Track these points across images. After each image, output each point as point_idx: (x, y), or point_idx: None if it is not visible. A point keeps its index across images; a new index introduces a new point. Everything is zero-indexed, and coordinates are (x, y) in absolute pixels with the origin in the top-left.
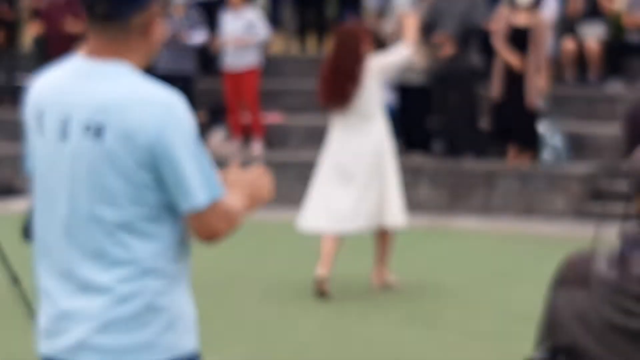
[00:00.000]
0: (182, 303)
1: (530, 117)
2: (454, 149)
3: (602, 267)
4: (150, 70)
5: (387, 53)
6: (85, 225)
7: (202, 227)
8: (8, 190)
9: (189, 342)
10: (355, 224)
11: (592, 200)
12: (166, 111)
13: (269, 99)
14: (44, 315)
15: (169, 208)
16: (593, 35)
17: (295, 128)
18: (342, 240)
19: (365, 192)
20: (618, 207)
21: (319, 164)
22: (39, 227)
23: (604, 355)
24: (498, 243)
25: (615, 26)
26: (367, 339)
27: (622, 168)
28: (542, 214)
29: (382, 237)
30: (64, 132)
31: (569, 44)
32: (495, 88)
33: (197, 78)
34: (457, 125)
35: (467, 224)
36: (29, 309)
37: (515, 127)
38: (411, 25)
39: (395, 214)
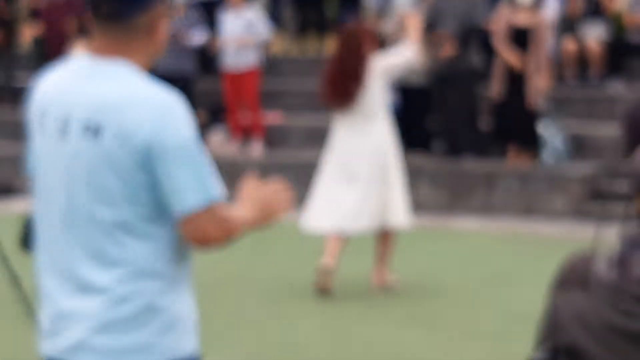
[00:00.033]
0: (182, 305)
1: (530, 117)
2: (454, 149)
3: (602, 268)
4: (150, 71)
5: (391, 53)
6: (84, 224)
7: (193, 231)
8: (8, 190)
9: (188, 344)
10: (358, 224)
11: (592, 200)
12: (163, 112)
13: (268, 99)
14: (45, 315)
15: (167, 209)
16: (594, 35)
17: (295, 128)
18: (346, 240)
19: (368, 192)
20: (618, 208)
21: (322, 164)
22: (40, 227)
23: (605, 356)
24: (498, 243)
25: (616, 26)
26: (367, 339)
27: (623, 168)
28: (542, 214)
29: (384, 237)
30: (64, 132)
31: (569, 44)
32: (495, 88)
33: (197, 78)
34: (457, 125)
35: (467, 224)
36: (29, 309)
37: (515, 127)
38: (414, 26)
39: (399, 215)
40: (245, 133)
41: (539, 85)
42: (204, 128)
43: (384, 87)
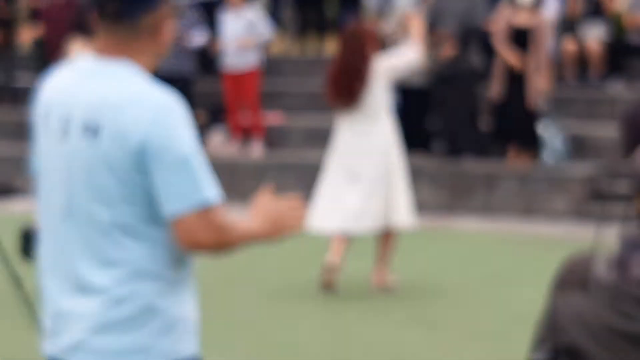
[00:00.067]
0: (182, 306)
1: (530, 118)
2: (454, 150)
3: (601, 269)
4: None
5: (394, 54)
6: (84, 225)
7: (183, 234)
8: (8, 190)
9: (188, 347)
10: (362, 225)
11: (592, 200)
12: (161, 112)
13: (269, 100)
14: (47, 315)
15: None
16: (594, 35)
17: (295, 129)
18: (350, 241)
19: (372, 193)
20: (618, 208)
21: (325, 165)
22: (42, 227)
23: (604, 356)
24: (498, 244)
25: (616, 26)
26: (367, 339)
27: (623, 169)
28: (542, 215)
29: (386, 237)
30: (65, 132)
31: (569, 44)
32: (495, 88)
33: (197, 79)
34: (457, 125)
35: (467, 224)
36: (31, 309)
37: (515, 128)
38: (417, 27)
39: (403, 215)
40: (245, 133)
41: (539, 85)
42: (204, 128)
43: (387, 88)
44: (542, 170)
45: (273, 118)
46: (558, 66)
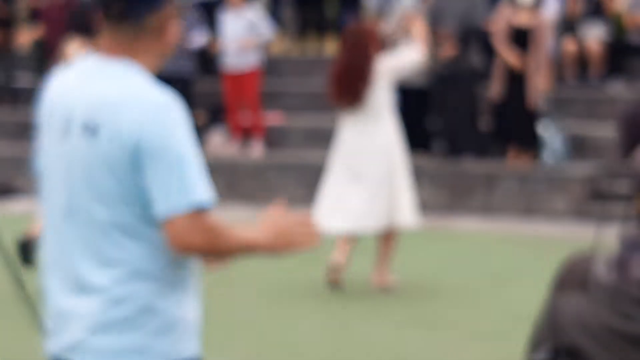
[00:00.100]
0: (181, 307)
1: (530, 118)
2: (454, 150)
3: (601, 269)
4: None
5: (397, 54)
6: (84, 224)
7: (172, 236)
8: (8, 190)
9: (187, 348)
10: (366, 225)
11: (592, 200)
12: (157, 112)
13: (269, 100)
14: (49, 314)
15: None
16: (594, 35)
17: (295, 129)
18: (355, 240)
19: (375, 193)
20: (618, 208)
21: (328, 164)
22: (45, 226)
23: (604, 357)
24: (498, 244)
25: (617, 26)
26: (367, 339)
27: (623, 168)
28: (542, 215)
29: (387, 237)
30: (66, 131)
31: (569, 44)
32: (495, 88)
33: (196, 79)
34: (457, 125)
35: (467, 224)
36: (32, 309)
37: (515, 128)
38: (419, 27)
39: (406, 214)
40: (245, 133)
41: (539, 85)
42: (203, 128)
43: (390, 88)
44: (542, 170)
45: (273, 118)
46: (558, 66)
